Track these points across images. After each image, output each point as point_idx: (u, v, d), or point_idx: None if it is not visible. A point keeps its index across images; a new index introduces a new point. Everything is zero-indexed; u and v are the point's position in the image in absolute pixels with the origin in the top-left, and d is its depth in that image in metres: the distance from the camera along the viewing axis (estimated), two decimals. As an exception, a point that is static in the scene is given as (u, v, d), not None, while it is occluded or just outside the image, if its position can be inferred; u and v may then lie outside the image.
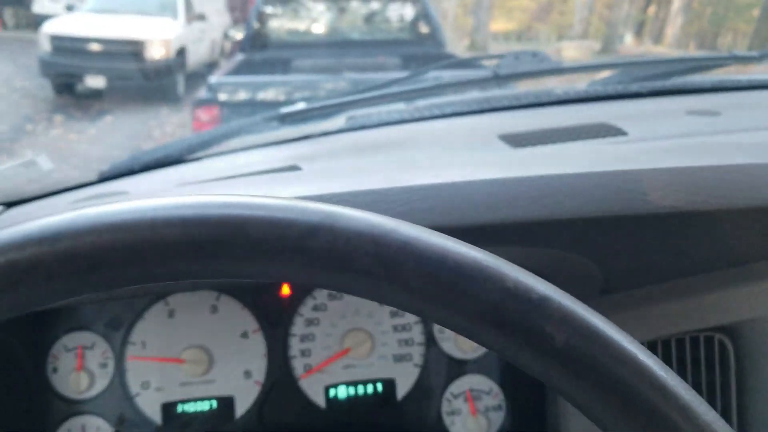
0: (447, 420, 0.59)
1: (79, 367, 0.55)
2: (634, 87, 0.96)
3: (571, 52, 12.47)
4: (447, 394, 0.59)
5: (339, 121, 0.94)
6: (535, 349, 0.21)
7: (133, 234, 0.21)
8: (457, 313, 0.22)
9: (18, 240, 0.21)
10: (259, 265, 0.22)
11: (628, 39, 18.62)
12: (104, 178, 0.79)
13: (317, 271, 0.22)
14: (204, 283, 0.56)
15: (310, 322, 0.58)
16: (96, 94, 6.21)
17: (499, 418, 0.59)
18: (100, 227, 0.21)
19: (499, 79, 0.89)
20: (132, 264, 0.21)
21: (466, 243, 0.22)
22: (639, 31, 23.87)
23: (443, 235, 0.23)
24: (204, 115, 2.77)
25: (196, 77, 7.18)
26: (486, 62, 1.10)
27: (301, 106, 0.87)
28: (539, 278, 0.22)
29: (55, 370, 0.56)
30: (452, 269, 0.21)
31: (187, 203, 0.22)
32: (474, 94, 1.11)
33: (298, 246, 0.21)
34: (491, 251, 0.23)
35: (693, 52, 17.39)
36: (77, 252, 0.21)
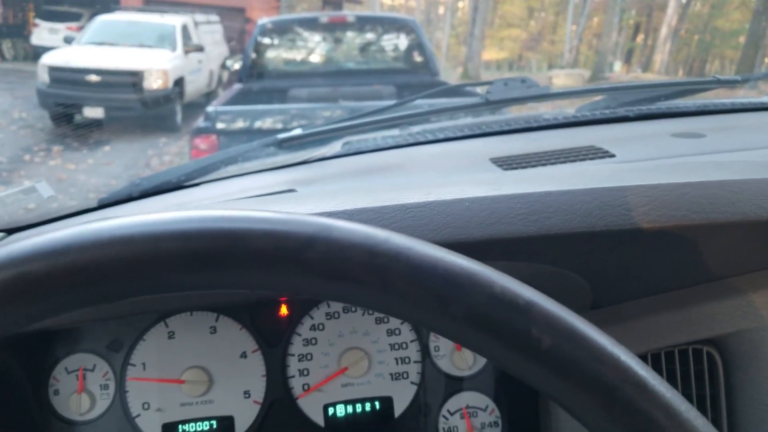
0: None
1: (80, 389, 0.55)
2: (621, 111, 0.99)
3: (561, 80, 12.73)
4: (444, 411, 0.59)
5: (335, 146, 0.96)
6: (522, 353, 0.22)
7: (137, 247, 0.22)
8: (448, 319, 0.23)
9: (24, 254, 0.22)
10: (258, 276, 0.23)
11: (618, 67, 19.03)
12: (103, 205, 0.80)
13: (314, 281, 0.23)
14: (203, 304, 0.57)
15: (308, 342, 0.58)
16: (94, 125, 6.26)
17: None
18: (104, 241, 0.22)
19: (489, 105, 0.91)
20: (135, 276, 0.22)
21: (454, 252, 0.24)
22: (628, 59, 24.39)
23: (433, 245, 0.24)
24: (202, 143, 2.80)
25: (194, 107, 7.27)
26: (477, 89, 1.13)
27: (297, 132, 0.89)
28: (525, 285, 0.23)
29: (56, 392, 0.56)
30: (442, 277, 0.22)
31: (188, 217, 0.23)
32: (465, 120, 1.14)
33: (296, 257, 0.22)
34: None
35: (681, 78, 17.74)
36: (82, 265, 0.22)
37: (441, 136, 0.94)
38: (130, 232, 0.22)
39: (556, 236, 0.47)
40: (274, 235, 0.23)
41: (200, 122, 2.89)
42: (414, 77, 4.29)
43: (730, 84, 0.98)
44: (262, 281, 0.23)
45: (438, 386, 0.60)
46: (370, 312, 0.60)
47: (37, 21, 11.70)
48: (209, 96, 8.03)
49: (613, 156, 0.77)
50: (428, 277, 0.22)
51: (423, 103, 1.01)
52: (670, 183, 0.50)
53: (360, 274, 0.22)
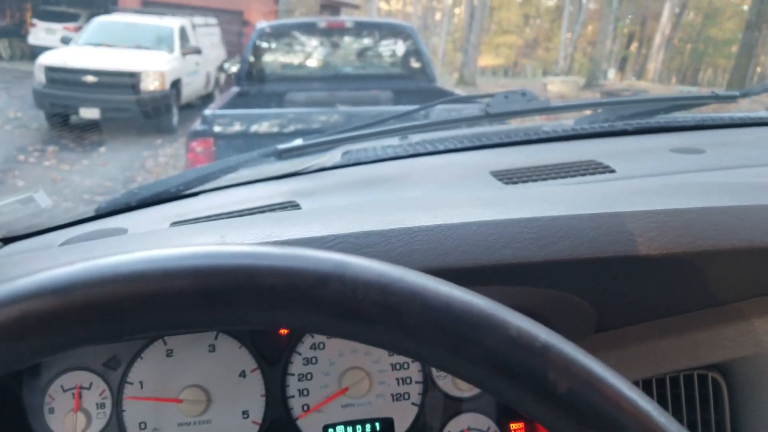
0: None
1: (76, 407, 0.54)
2: (620, 125, 0.99)
3: (556, 86, 12.78)
4: None
5: (335, 155, 0.96)
6: (538, 396, 0.22)
7: (146, 285, 0.22)
8: (462, 360, 0.22)
9: (32, 290, 0.22)
10: (269, 314, 0.22)
11: (611, 74, 19.16)
12: (101, 214, 0.79)
13: (327, 320, 0.22)
14: None
15: (308, 361, 0.57)
16: (90, 126, 6.23)
17: None
18: (113, 278, 0.22)
19: (490, 117, 0.91)
20: (145, 314, 0.22)
21: (470, 291, 0.23)
22: (622, 67, 24.57)
23: (449, 283, 0.23)
24: (199, 146, 2.79)
25: (191, 109, 7.24)
26: (478, 100, 1.14)
27: (298, 142, 0.88)
28: (541, 326, 0.23)
29: (51, 410, 0.54)
30: (457, 317, 0.22)
31: (199, 253, 0.23)
32: (465, 131, 1.14)
33: (309, 295, 0.22)
34: (488, 291, 0.24)
35: (674, 86, 17.90)
36: (91, 303, 0.22)
37: (441, 147, 0.94)
38: (140, 269, 0.22)
39: (563, 262, 0.47)
40: (287, 273, 0.22)
41: (197, 125, 2.87)
42: (411, 83, 4.30)
43: (728, 99, 0.99)
44: (273, 319, 0.23)
45: (439, 408, 0.59)
46: None
47: (35, 21, 11.63)
48: (206, 98, 8.00)
49: (613, 171, 0.77)
50: (443, 318, 0.22)
51: (423, 113, 1.01)
52: (677, 209, 0.50)
53: (373, 314, 0.22)
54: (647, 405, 0.22)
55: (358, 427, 0.57)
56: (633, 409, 0.22)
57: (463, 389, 0.58)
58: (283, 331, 0.58)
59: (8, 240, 0.69)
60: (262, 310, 0.22)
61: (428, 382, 0.59)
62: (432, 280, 0.23)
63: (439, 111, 2.17)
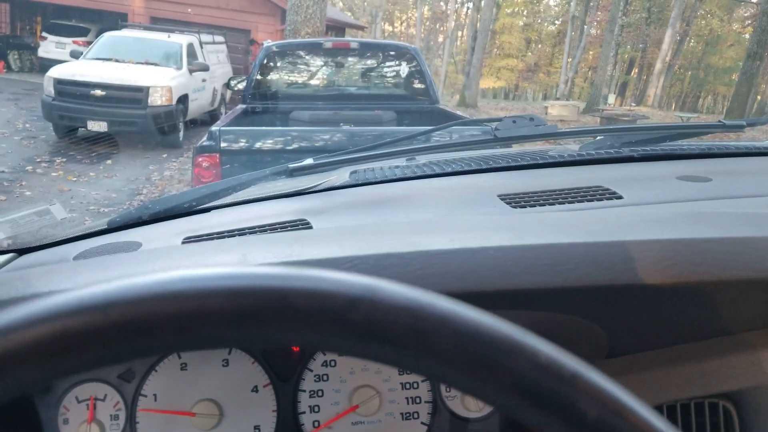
0: None
1: (90, 418, 0.55)
2: (626, 151, 1.00)
3: (556, 110, 12.87)
4: None
5: (343, 175, 0.97)
6: (567, 424, 0.22)
7: (183, 303, 0.22)
8: (492, 386, 0.23)
9: (70, 307, 0.22)
10: (301, 334, 0.23)
11: (612, 99, 19.34)
12: (114, 228, 0.80)
13: (357, 342, 0.23)
14: None
15: (319, 378, 0.58)
16: (97, 138, 6.27)
17: None
18: (152, 296, 0.22)
19: (498, 141, 0.93)
20: (179, 333, 0.23)
21: (499, 317, 0.24)
22: (622, 92, 24.78)
23: (478, 309, 0.24)
24: (205, 161, 2.81)
25: (197, 124, 7.31)
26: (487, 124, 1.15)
27: (309, 161, 0.90)
28: (570, 354, 0.24)
29: (66, 421, 0.55)
30: (487, 344, 0.22)
31: (235, 274, 0.23)
32: (471, 153, 1.15)
33: (340, 318, 0.23)
34: (503, 316, 0.24)
35: (674, 112, 18.04)
36: (128, 320, 0.22)
37: (448, 169, 0.95)
38: (178, 288, 0.23)
39: (580, 288, 0.47)
40: (319, 295, 0.23)
41: (204, 141, 2.90)
42: (414, 103, 4.34)
43: (735, 129, 1.00)
44: (303, 340, 0.23)
45: (447, 427, 0.59)
46: None
47: (45, 34, 11.81)
48: (212, 114, 8.08)
49: (620, 197, 0.78)
50: (473, 343, 0.22)
51: (432, 135, 1.03)
52: (694, 238, 0.51)
53: (403, 337, 0.22)
54: None
55: None
56: None
57: (472, 410, 0.59)
58: (296, 348, 0.59)
59: (23, 251, 0.70)
60: (294, 331, 0.23)
61: (437, 402, 0.59)
62: (462, 305, 0.24)
63: (446, 133, 2.20)
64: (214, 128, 3.04)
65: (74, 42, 10.90)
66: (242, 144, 2.91)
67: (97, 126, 6.23)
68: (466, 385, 0.23)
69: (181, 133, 6.85)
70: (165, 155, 6.18)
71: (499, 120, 0.96)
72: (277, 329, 0.23)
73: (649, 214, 0.63)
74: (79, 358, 0.22)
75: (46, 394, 0.55)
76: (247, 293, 0.23)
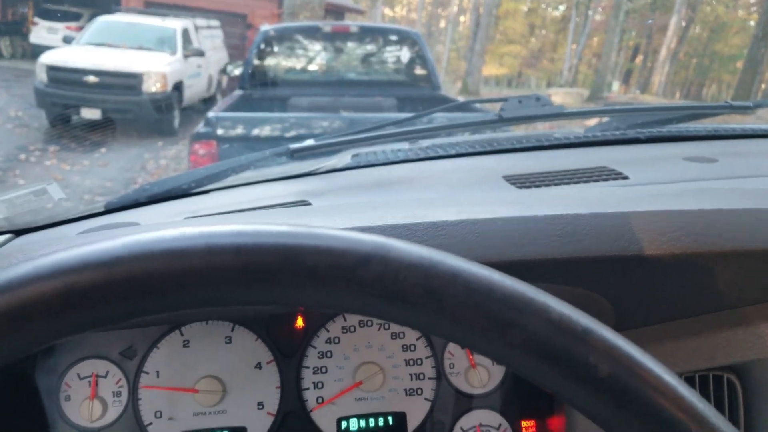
0: None
1: (92, 395, 0.55)
2: (632, 133, 0.99)
3: (560, 98, 12.86)
4: (457, 429, 0.59)
5: (344, 158, 0.95)
6: (579, 380, 0.22)
7: (189, 260, 0.22)
8: (503, 344, 0.22)
9: (75, 264, 0.21)
10: (310, 293, 0.22)
11: (616, 87, 19.31)
12: (111, 209, 0.78)
13: (367, 301, 0.22)
14: (219, 314, 0.56)
15: (323, 355, 0.58)
16: (91, 126, 6.24)
17: None
18: (156, 253, 0.22)
19: (503, 122, 0.91)
20: (186, 290, 0.22)
21: (511, 276, 0.23)
22: (626, 80, 24.76)
23: (489, 267, 0.23)
24: (201, 149, 2.79)
25: (192, 112, 7.26)
26: (490, 105, 1.14)
27: (310, 142, 0.88)
28: (581, 312, 0.23)
29: (67, 398, 0.55)
30: (499, 301, 0.22)
31: (242, 231, 0.22)
32: (475, 136, 1.14)
33: (351, 275, 0.22)
34: None
35: (679, 101, 18.04)
36: (133, 277, 0.21)
37: (452, 151, 0.94)
38: (184, 245, 0.22)
39: (586, 259, 0.47)
40: (329, 252, 0.22)
41: (200, 127, 2.88)
42: (415, 90, 4.31)
43: (742, 110, 0.99)
44: (314, 298, 0.22)
45: (452, 403, 0.60)
46: (386, 327, 0.59)
47: (36, 19, 11.68)
48: (208, 101, 8.03)
49: (626, 178, 0.77)
50: (485, 301, 0.22)
51: (436, 117, 1.01)
52: (703, 209, 0.51)
53: (415, 295, 0.22)
54: (686, 391, 0.22)
55: (371, 420, 0.58)
56: (672, 394, 0.22)
57: (476, 386, 0.59)
58: (299, 325, 0.59)
59: (20, 232, 0.68)
60: (304, 289, 0.22)
61: (441, 378, 0.59)
62: (473, 264, 0.23)
63: (451, 116, 2.19)
64: (210, 114, 3.02)
65: (67, 27, 10.79)
66: (239, 130, 2.89)
67: (91, 113, 6.18)
68: (478, 343, 0.22)
69: (177, 121, 6.81)
70: (160, 143, 6.14)
71: (505, 100, 0.94)
72: (286, 287, 0.22)
73: (654, 191, 0.63)
74: (85, 314, 0.21)
75: (46, 370, 0.54)
76: (256, 250, 0.22)
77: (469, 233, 0.47)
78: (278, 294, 0.22)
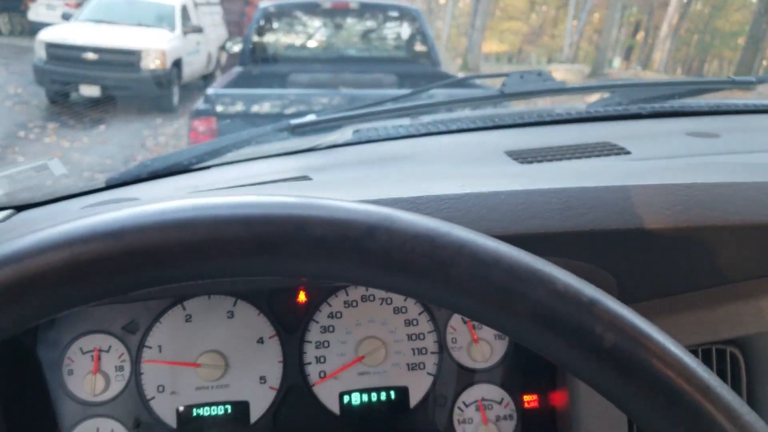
0: (458, 428, 0.59)
1: (95, 369, 0.55)
2: (634, 108, 0.98)
3: (560, 75, 12.68)
4: (459, 403, 0.60)
5: (346, 133, 0.95)
6: (584, 350, 0.22)
7: (197, 231, 0.22)
8: (510, 314, 0.22)
9: (82, 234, 0.21)
10: (317, 264, 0.22)
11: (617, 63, 19.03)
12: (112, 185, 0.78)
13: (374, 272, 0.22)
14: (221, 289, 0.56)
15: (325, 329, 0.58)
16: (90, 103, 6.18)
17: (510, 427, 0.60)
18: (164, 224, 0.22)
19: (505, 97, 0.90)
20: (194, 261, 0.22)
21: (516, 247, 0.23)
22: (627, 56, 24.40)
23: (495, 239, 0.23)
24: (201, 126, 2.77)
25: (192, 89, 7.19)
26: (491, 80, 1.13)
27: (311, 117, 0.88)
28: (587, 282, 0.23)
29: (70, 372, 0.55)
30: (505, 272, 0.22)
31: (249, 202, 0.23)
32: (476, 112, 1.13)
33: (357, 246, 0.22)
34: None
35: (680, 77, 17.78)
36: (141, 248, 0.21)
37: (453, 127, 0.94)
38: (191, 216, 0.22)
39: (590, 233, 0.47)
40: (336, 223, 0.22)
41: (199, 104, 2.86)
42: (415, 67, 4.26)
43: (745, 85, 0.98)
44: (321, 270, 0.23)
45: (454, 378, 0.60)
46: (389, 301, 0.59)
47: (34, -5, 11.47)
48: (207, 78, 7.94)
49: (628, 153, 0.77)
50: (491, 271, 0.22)
51: (437, 93, 1.00)
52: (707, 183, 0.50)
53: (421, 266, 0.22)
54: (691, 361, 0.23)
55: (374, 394, 0.58)
56: (678, 365, 0.22)
57: (479, 360, 0.59)
58: (302, 299, 0.59)
59: (21, 208, 0.68)
60: (311, 260, 0.22)
61: (443, 353, 0.60)
62: (479, 235, 0.23)
63: (452, 92, 2.16)
64: (210, 91, 2.99)
65: (65, 4, 10.59)
66: (239, 107, 2.87)
67: (90, 90, 6.12)
68: (484, 313, 0.23)
69: (176, 98, 6.74)
70: (159, 120, 6.09)
71: (506, 75, 0.93)
72: (294, 258, 0.22)
73: (657, 165, 0.62)
74: (92, 286, 0.22)
75: (48, 344, 0.55)
76: (263, 221, 0.22)
77: (473, 206, 0.47)
78: (285, 265, 0.22)
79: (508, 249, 0.23)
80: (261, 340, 0.57)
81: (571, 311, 0.22)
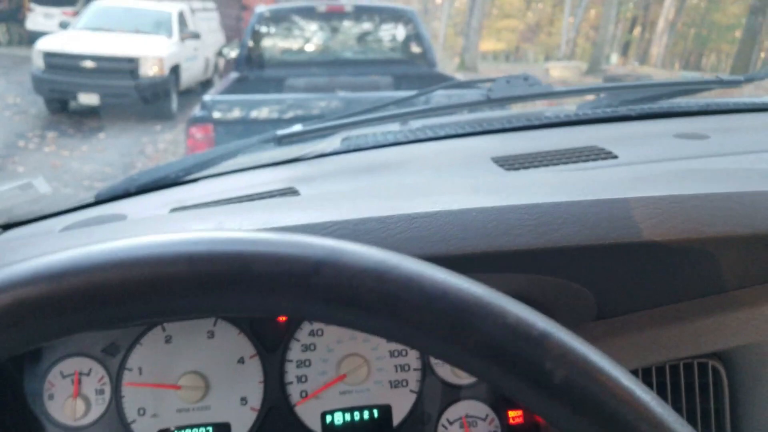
0: None
1: (76, 393, 0.54)
2: (623, 110, 0.98)
3: (558, 71, 12.68)
4: (443, 420, 0.58)
5: (334, 142, 0.95)
6: (534, 385, 0.22)
7: (140, 271, 0.21)
8: (459, 348, 0.22)
9: (24, 277, 0.21)
10: (264, 300, 0.22)
11: (614, 59, 19.00)
12: (100, 200, 0.79)
13: (322, 307, 0.22)
14: None
15: (306, 348, 0.57)
16: (89, 111, 6.20)
17: None
18: (106, 264, 0.21)
19: (491, 102, 0.90)
20: (139, 301, 0.22)
21: (468, 278, 0.23)
22: (625, 52, 24.37)
23: (446, 270, 0.23)
24: (198, 132, 2.77)
25: (190, 95, 7.20)
26: (479, 85, 1.13)
27: (297, 128, 0.88)
28: (540, 314, 0.23)
29: (51, 396, 0.54)
30: (454, 305, 0.22)
31: (193, 239, 0.22)
32: (466, 116, 1.13)
33: (303, 282, 0.22)
34: (487, 279, 0.23)
35: (678, 72, 17.75)
36: (84, 289, 0.21)
37: (441, 133, 0.94)
38: (134, 255, 0.22)
39: (564, 249, 0.46)
40: (281, 260, 0.22)
41: (197, 111, 2.86)
42: (411, 68, 4.26)
43: (733, 85, 0.98)
44: (268, 306, 0.22)
45: (437, 395, 0.59)
46: None
47: (32, 5, 11.51)
48: (205, 84, 7.96)
49: (615, 157, 0.77)
50: (440, 305, 0.22)
51: (424, 99, 1.00)
52: (680, 195, 0.49)
53: (369, 301, 0.22)
54: (645, 395, 0.22)
55: (356, 413, 0.57)
56: (630, 399, 0.22)
57: (461, 377, 0.58)
58: (282, 318, 0.58)
59: (8, 226, 0.69)
60: (257, 297, 0.22)
61: (426, 370, 0.59)
62: (429, 267, 0.23)
63: (440, 96, 2.16)
64: (207, 98, 2.99)
65: (63, 13, 10.64)
66: (236, 113, 2.86)
67: (89, 99, 6.14)
68: (433, 348, 0.22)
69: (174, 104, 6.76)
70: (158, 127, 6.11)
71: (492, 81, 0.93)
72: (239, 295, 0.22)
73: (639, 173, 0.61)
74: (38, 326, 0.21)
75: (31, 369, 0.54)
76: (206, 259, 0.22)
77: (444, 225, 0.46)
78: (231, 303, 0.22)
79: (458, 281, 0.22)
80: (242, 360, 0.56)
81: (521, 345, 0.22)
